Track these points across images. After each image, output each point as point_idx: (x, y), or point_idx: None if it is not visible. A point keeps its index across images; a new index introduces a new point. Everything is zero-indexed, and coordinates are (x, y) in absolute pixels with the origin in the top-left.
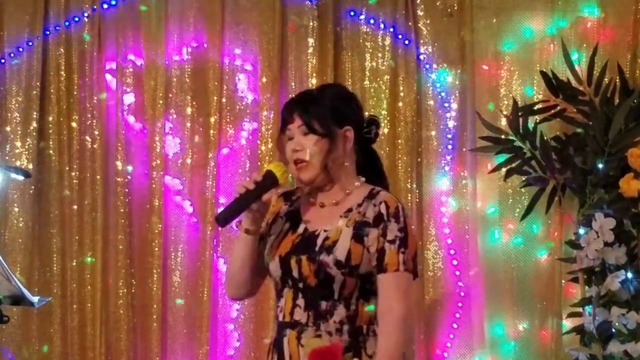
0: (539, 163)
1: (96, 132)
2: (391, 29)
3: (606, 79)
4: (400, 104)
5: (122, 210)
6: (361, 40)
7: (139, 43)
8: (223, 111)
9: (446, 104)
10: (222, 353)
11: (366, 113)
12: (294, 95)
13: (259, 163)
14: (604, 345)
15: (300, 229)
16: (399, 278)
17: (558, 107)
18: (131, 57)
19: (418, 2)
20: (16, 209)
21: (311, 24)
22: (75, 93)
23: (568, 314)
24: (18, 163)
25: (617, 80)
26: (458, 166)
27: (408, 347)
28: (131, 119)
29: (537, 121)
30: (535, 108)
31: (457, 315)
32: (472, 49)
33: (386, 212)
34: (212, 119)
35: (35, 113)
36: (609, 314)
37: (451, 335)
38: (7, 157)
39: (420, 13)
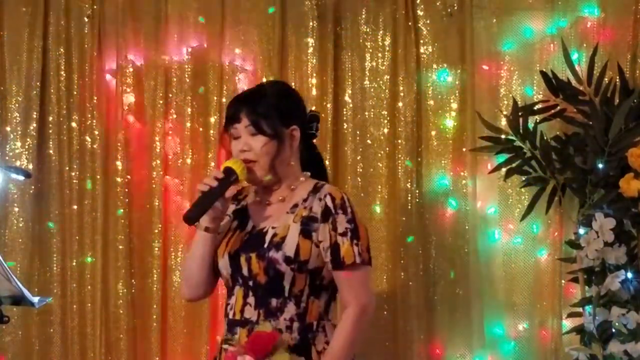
0: (539, 163)
1: (96, 132)
2: (391, 29)
3: (606, 79)
4: (400, 104)
5: (122, 210)
6: (361, 40)
7: (139, 43)
8: (223, 111)
9: (446, 104)
10: None
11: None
12: (238, 94)
13: None
14: (604, 345)
15: (249, 227)
16: (357, 272)
17: (558, 107)
18: (131, 57)
19: (418, 2)
20: (16, 209)
21: (311, 24)
22: (75, 93)
23: (568, 314)
24: (18, 163)
25: (617, 80)
26: (458, 166)
27: (362, 335)
28: (131, 119)
29: (537, 121)
30: (535, 108)
31: (457, 315)
32: (472, 49)
33: (332, 205)
34: (212, 119)
35: (35, 113)
36: (609, 314)
37: (451, 335)
38: (7, 157)
39: (420, 13)
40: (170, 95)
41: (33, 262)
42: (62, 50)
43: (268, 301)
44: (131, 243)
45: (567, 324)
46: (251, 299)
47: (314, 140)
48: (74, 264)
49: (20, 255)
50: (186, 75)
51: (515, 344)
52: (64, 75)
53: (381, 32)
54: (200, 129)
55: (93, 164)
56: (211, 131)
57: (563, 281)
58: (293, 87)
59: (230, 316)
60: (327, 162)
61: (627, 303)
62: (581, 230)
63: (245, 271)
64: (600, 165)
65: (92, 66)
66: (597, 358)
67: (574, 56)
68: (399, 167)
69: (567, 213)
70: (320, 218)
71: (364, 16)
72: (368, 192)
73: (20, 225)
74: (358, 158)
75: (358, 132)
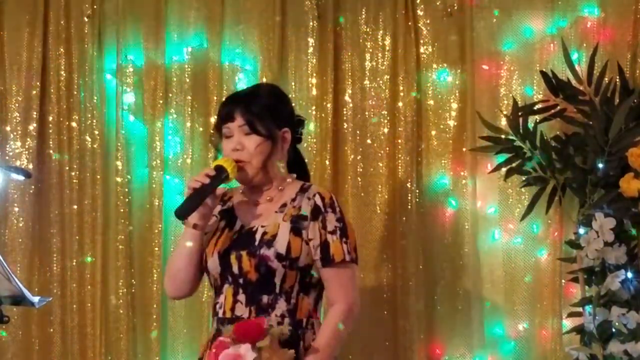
0: (539, 163)
1: (96, 132)
2: (391, 29)
3: (606, 79)
4: (400, 104)
5: (122, 210)
6: (361, 40)
7: (139, 43)
8: None
9: (446, 104)
10: None
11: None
12: (232, 94)
13: None
14: (604, 345)
15: (237, 226)
16: (345, 271)
17: (558, 107)
18: (131, 57)
19: (418, 2)
20: (16, 209)
21: (311, 24)
22: (75, 93)
23: (568, 313)
24: (18, 163)
25: (617, 80)
26: (458, 166)
27: (347, 333)
28: (131, 119)
29: (537, 121)
30: (535, 108)
31: (457, 315)
32: (472, 49)
33: (322, 204)
34: (212, 119)
35: (35, 113)
36: (609, 314)
37: (451, 335)
38: (7, 157)
39: (420, 13)
40: (170, 95)
41: (33, 262)
42: (62, 50)
43: (259, 298)
44: (131, 243)
45: (567, 324)
46: (242, 297)
47: (312, 144)
48: (74, 264)
49: (20, 255)
50: (186, 75)
51: (515, 344)
52: (64, 75)
53: (381, 32)
54: (200, 129)
55: (93, 164)
56: (211, 131)
57: (563, 281)
58: (293, 88)
59: (220, 314)
60: (327, 162)
61: (627, 303)
62: (581, 230)
63: (235, 269)
64: (600, 165)
65: (92, 66)
66: (597, 358)
67: (574, 56)
68: (399, 167)
69: (567, 213)
70: (310, 216)
71: (364, 16)
72: (368, 192)
73: (20, 225)
74: (358, 158)
75: (358, 132)
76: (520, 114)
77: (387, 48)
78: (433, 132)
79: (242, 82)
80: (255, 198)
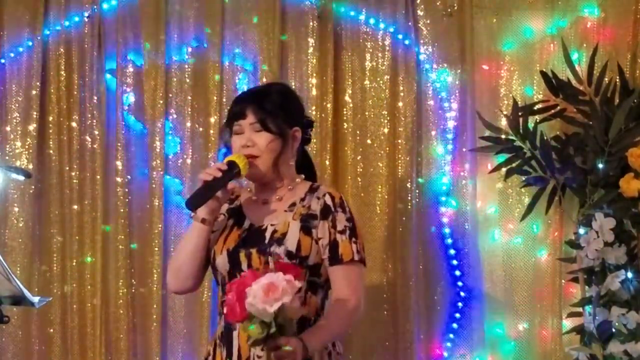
0: (539, 163)
1: (96, 132)
2: (391, 29)
3: (606, 79)
4: (400, 104)
5: (122, 210)
6: (361, 40)
7: (139, 43)
8: (223, 111)
9: (446, 104)
10: None
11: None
12: (244, 91)
13: None
14: (604, 345)
15: (246, 225)
16: (353, 269)
17: (558, 107)
18: (131, 57)
19: (418, 2)
20: (16, 209)
21: (311, 24)
22: (75, 93)
23: (568, 314)
24: (18, 163)
25: (617, 80)
26: (458, 166)
27: (348, 330)
28: (131, 119)
29: (537, 121)
30: (535, 108)
31: (457, 315)
32: (472, 49)
33: (332, 203)
34: (212, 119)
35: (35, 113)
36: (609, 314)
37: (451, 335)
38: (7, 157)
39: (420, 13)
40: (170, 95)
41: (33, 262)
42: (62, 50)
43: None
44: (131, 243)
45: (567, 324)
46: None
47: (312, 144)
48: (74, 263)
49: (20, 255)
50: (186, 75)
51: (515, 344)
52: (64, 75)
53: (381, 32)
54: (200, 129)
55: (93, 164)
56: (211, 131)
57: (563, 281)
58: (293, 88)
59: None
60: (327, 162)
61: (627, 303)
62: (581, 230)
63: (244, 267)
64: (600, 165)
65: (92, 66)
66: (597, 358)
67: (574, 56)
68: (399, 167)
69: (567, 213)
70: (320, 216)
71: (364, 16)
72: (368, 192)
73: (20, 225)
74: (358, 158)
75: (358, 132)
76: (520, 114)
77: (387, 48)
78: (433, 132)
79: (242, 82)
80: (265, 197)
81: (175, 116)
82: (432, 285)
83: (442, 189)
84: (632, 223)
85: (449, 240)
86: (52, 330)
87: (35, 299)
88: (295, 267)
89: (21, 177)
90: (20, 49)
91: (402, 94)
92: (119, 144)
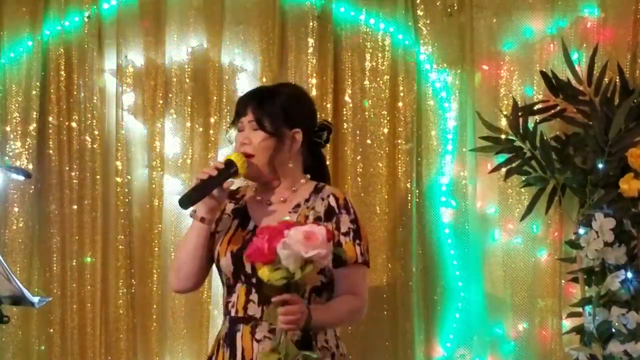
0: (539, 163)
1: (96, 132)
2: (391, 29)
3: (606, 79)
4: (400, 104)
5: (122, 210)
6: (361, 40)
7: (139, 43)
8: (223, 111)
9: (446, 104)
10: None
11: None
12: (252, 89)
13: None
14: (604, 345)
15: (250, 226)
16: (357, 271)
17: (558, 107)
18: (131, 57)
19: (418, 2)
20: (16, 209)
21: (311, 24)
22: (75, 93)
23: (568, 314)
24: (18, 163)
25: (617, 80)
26: (458, 166)
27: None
28: (131, 119)
29: (537, 121)
30: (535, 108)
31: (457, 315)
32: (472, 49)
33: (336, 204)
34: (212, 119)
35: (35, 113)
36: (609, 314)
37: (451, 335)
38: (7, 157)
39: (420, 13)
40: (170, 95)
41: (33, 262)
42: (62, 50)
43: (271, 298)
44: (131, 243)
45: (567, 324)
46: (254, 296)
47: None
48: (74, 263)
49: (20, 256)
50: (186, 75)
51: (515, 344)
52: (64, 75)
53: (381, 32)
54: (200, 129)
55: (93, 164)
56: (211, 131)
57: (563, 281)
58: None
59: (232, 314)
60: (327, 162)
61: (627, 303)
62: (581, 230)
63: (248, 268)
64: (600, 165)
65: (92, 66)
66: (597, 358)
67: (574, 56)
68: (399, 167)
69: (567, 213)
70: (324, 217)
71: (364, 16)
72: (368, 192)
73: (20, 225)
74: (358, 158)
75: (358, 132)
76: (520, 114)
77: (387, 48)
78: (433, 132)
79: (242, 82)
80: (269, 198)
81: (175, 116)
82: (432, 285)
83: (442, 189)
84: (632, 223)
85: (449, 240)
86: (52, 330)
87: (35, 299)
88: (329, 230)
89: (21, 177)
90: (20, 49)
91: (402, 94)
92: (119, 144)
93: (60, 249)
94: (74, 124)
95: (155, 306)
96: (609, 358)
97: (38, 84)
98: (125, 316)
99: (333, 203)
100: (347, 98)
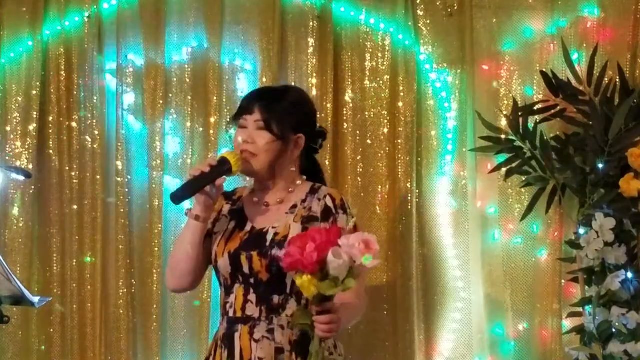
0: (539, 163)
1: (96, 132)
2: (391, 29)
3: (606, 79)
4: (400, 104)
5: (122, 210)
6: (361, 40)
7: (139, 43)
8: (223, 111)
9: (446, 104)
10: None
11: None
12: (259, 88)
13: None
14: (604, 345)
15: (247, 227)
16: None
17: (558, 107)
18: (131, 57)
19: (418, 2)
20: (16, 209)
21: (311, 24)
22: (75, 93)
23: (568, 314)
24: (18, 163)
25: (617, 80)
26: (458, 166)
27: (348, 325)
28: (131, 119)
29: (537, 121)
30: (535, 108)
31: (457, 315)
32: (472, 49)
33: (333, 205)
34: (212, 119)
35: (35, 113)
36: (609, 314)
37: (451, 335)
38: (7, 157)
39: (420, 13)
40: (170, 95)
41: (33, 262)
42: (62, 50)
43: (270, 298)
44: (131, 243)
45: (567, 324)
46: (252, 297)
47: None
48: (74, 263)
49: (20, 255)
50: (186, 75)
51: (515, 344)
52: (64, 75)
53: (381, 32)
54: (200, 129)
55: (93, 164)
56: (211, 131)
57: (563, 281)
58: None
59: (231, 314)
60: (327, 162)
61: (627, 303)
62: (581, 230)
63: (246, 269)
64: (600, 165)
65: (92, 66)
66: (597, 358)
67: (574, 56)
68: (399, 167)
69: (567, 213)
70: (320, 217)
71: (364, 16)
72: (368, 192)
73: (20, 225)
74: (358, 158)
75: (358, 132)
76: (520, 114)
77: (387, 48)
78: (433, 132)
79: (242, 82)
80: (265, 199)
81: (175, 116)
82: (432, 285)
83: (442, 189)
84: (632, 223)
85: (449, 240)
86: (52, 330)
87: (35, 299)
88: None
89: (21, 177)
90: (20, 49)
91: (402, 94)
92: (119, 144)
93: (60, 249)
94: (74, 124)
95: (155, 306)
96: (609, 358)
97: (38, 84)
98: (125, 316)
99: (330, 203)
100: (347, 98)
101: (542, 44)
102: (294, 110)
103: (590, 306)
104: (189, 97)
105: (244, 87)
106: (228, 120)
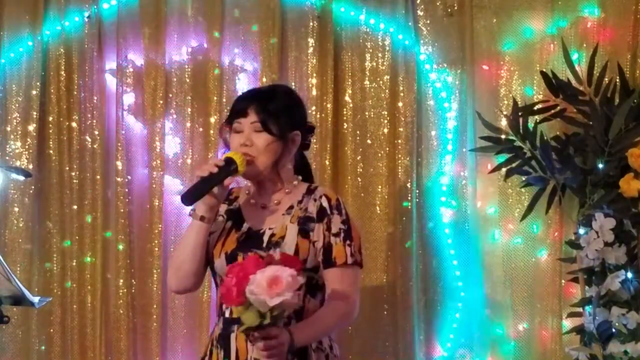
0: (539, 163)
1: (96, 132)
2: (391, 29)
3: (606, 79)
4: (400, 104)
5: (122, 210)
6: (361, 40)
7: (139, 43)
8: (223, 111)
9: (446, 104)
10: None
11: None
12: (248, 90)
13: None
14: (604, 345)
15: (244, 228)
16: (347, 272)
17: (558, 107)
18: (131, 57)
19: (418, 2)
20: (16, 209)
21: (311, 24)
22: (75, 93)
23: (568, 314)
24: (18, 163)
25: (617, 80)
26: (458, 166)
27: (332, 331)
28: (131, 119)
29: (537, 121)
30: (535, 108)
31: (457, 315)
32: (472, 49)
33: (328, 205)
34: (212, 119)
35: (35, 113)
36: (609, 314)
37: (451, 335)
38: (7, 157)
39: (420, 13)
40: (170, 95)
41: (33, 262)
42: (62, 50)
43: None
44: (131, 243)
45: (567, 324)
46: None
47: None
48: (74, 264)
49: (20, 255)
50: (186, 75)
51: (515, 344)
52: (64, 75)
53: (381, 32)
54: (200, 129)
55: (93, 164)
56: (211, 131)
57: (563, 281)
58: (292, 87)
59: (227, 315)
60: (327, 162)
61: (627, 303)
62: (581, 230)
63: None
64: (600, 165)
65: (92, 66)
66: (597, 358)
67: (574, 56)
68: (399, 167)
69: (567, 213)
70: (316, 218)
71: (364, 16)
72: (368, 192)
73: (20, 225)
74: (358, 158)
75: (358, 132)
76: (520, 114)
77: (387, 48)
78: (433, 132)
79: (242, 82)
80: (262, 200)
81: (175, 116)
82: (432, 285)
83: (442, 189)
84: (632, 223)
85: (449, 240)
86: (52, 330)
87: (35, 299)
88: (298, 261)
89: (21, 177)
90: (20, 49)
91: (402, 94)
92: (119, 144)
93: (60, 249)
94: (74, 124)
95: (155, 306)
96: (609, 358)
97: (38, 84)
98: (125, 316)
99: (325, 204)
100: (347, 98)
101: (542, 44)
102: (288, 108)
103: (590, 306)
104: (189, 97)
105: (244, 87)
106: (221, 124)
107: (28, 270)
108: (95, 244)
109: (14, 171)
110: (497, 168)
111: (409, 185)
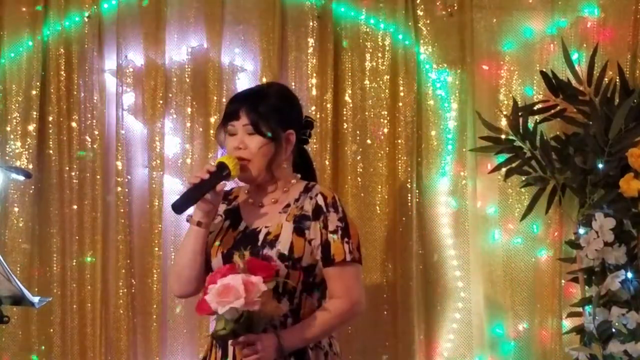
0: (539, 163)
1: (96, 132)
2: (391, 29)
3: (606, 79)
4: (400, 104)
5: (122, 210)
6: (361, 40)
7: (139, 43)
8: (223, 111)
9: (446, 104)
10: None
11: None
12: (240, 91)
13: None
14: (604, 345)
15: (241, 227)
16: (347, 270)
17: (558, 107)
18: (131, 57)
19: (418, 2)
20: (16, 209)
21: (311, 24)
22: (75, 93)
23: (568, 314)
24: (18, 163)
25: (617, 80)
26: (458, 166)
27: (341, 330)
28: (131, 119)
29: (537, 121)
30: (535, 108)
31: (457, 315)
32: (472, 48)
33: (324, 203)
34: (212, 119)
35: (35, 113)
36: (609, 314)
37: (451, 336)
38: (7, 157)
39: (420, 13)
40: (170, 95)
41: (33, 262)
42: (62, 50)
43: None
44: (131, 243)
45: (567, 324)
46: None
47: (312, 144)
48: (74, 263)
49: (20, 255)
50: (186, 75)
51: (515, 344)
52: (64, 75)
53: (381, 32)
54: (200, 129)
55: (93, 164)
56: (211, 131)
57: (563, 281)
58: (293, 88)
59: None
60: (327, 162)
61: (627, 303)
62: (581, 230)
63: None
64: (600, 165)
65: (92, 66)
66: (597, 358)
67: (574, 56)
68: (399, 167)
69: (567, 213)
70: (312, 216)
71: (364, 16)
72: (368, 192)
73: (20, 225)
74: (358, 158)
75: (358, 132)
76: (520, 114)
77: (387, 48)
78: (433, 132)
79: (242, 82)
80: (261, 200)
81: (175, 116)
82: (432, 285)
83: (442, 189)
84: (632, 223)
85: (449, 241)
86: (52, 330)
87: (35, 299)
88: (268, 267)
89: (21, 177)
90: (20, 49)
91: (402, 94)
92: (119, 144)
93: (60, 249)
94: (74, 124)
95: (155, 306)
96: (609, 358)
97: (38, 84)
98: (125, 316)
99: (321, 202)
100: (347, 98)
101: (542, 44)
102: (279, 107)
103: (590, 306)
104: (189, 97)
105: (243, 87)
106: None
107: (28, 270)
108: (95, 244)
109: (14, 171)
110: (497, 168)
111: (409, 185)
